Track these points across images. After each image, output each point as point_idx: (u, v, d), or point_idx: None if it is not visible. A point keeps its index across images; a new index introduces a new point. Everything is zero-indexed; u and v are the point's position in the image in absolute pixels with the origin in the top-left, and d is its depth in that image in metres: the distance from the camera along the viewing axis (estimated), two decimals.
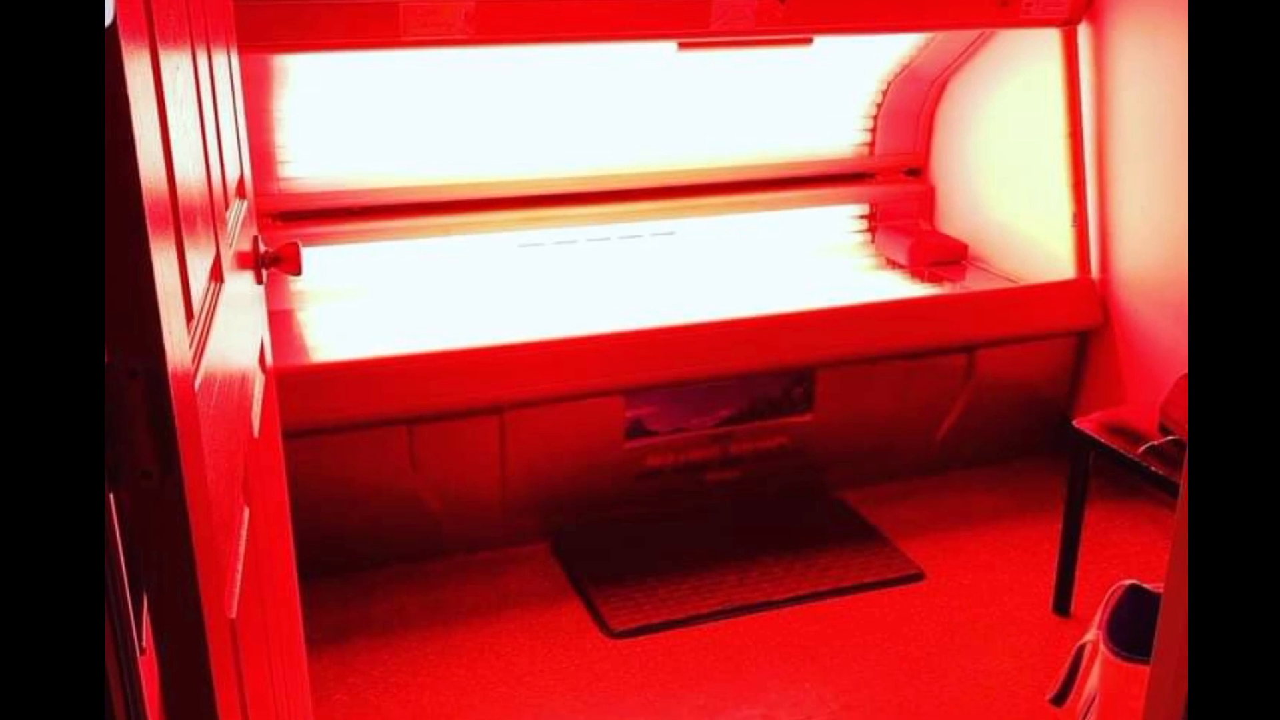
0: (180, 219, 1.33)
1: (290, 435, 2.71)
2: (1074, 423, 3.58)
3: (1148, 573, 3.39)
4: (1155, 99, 4.08)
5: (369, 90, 4.13)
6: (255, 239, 2.20)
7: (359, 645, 3.53)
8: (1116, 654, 2.60)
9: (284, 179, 4.20)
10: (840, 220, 5.19)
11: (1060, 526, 3.65)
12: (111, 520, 1.10)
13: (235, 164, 2.09)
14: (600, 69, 4.39)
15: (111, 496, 1.11)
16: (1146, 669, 1.51)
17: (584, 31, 3.77)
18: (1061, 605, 3.68)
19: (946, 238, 5.00)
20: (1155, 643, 1.48)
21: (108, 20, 1.03)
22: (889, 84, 4.93)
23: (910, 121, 5.08)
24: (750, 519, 4.23)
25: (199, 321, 1.43)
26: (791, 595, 3.76)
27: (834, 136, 5.05)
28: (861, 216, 5.20)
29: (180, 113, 1.41)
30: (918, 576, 3.89)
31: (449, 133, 4.37)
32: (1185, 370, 3.47)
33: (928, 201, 5.16)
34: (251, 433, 1.89)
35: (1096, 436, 3.48)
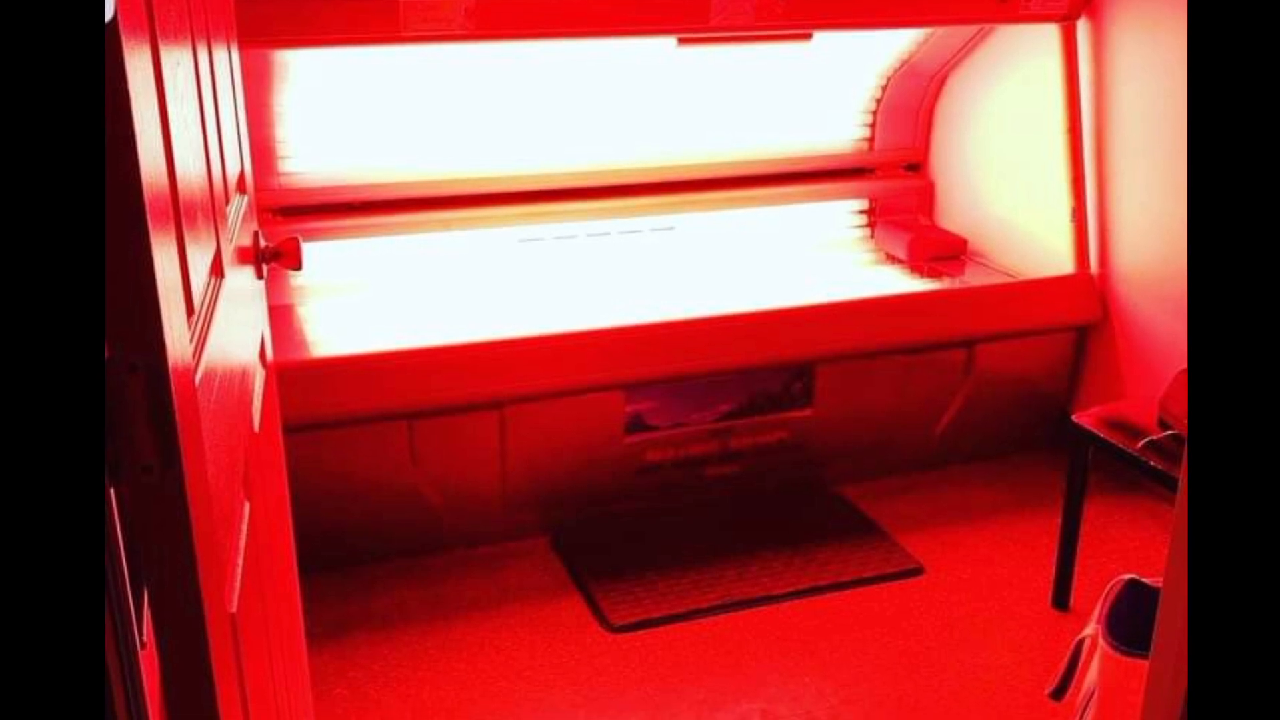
0: (181, 214, 1.33)
1: (291, 430, 2.71)
2: (1073, 417, 3.58)
3: (1147, 567, 3.38)
4: (1154, 94, 4.08)
5: (369, 85, 4.13)
6: (256, 234, 2.20)
7: (359, 640, 3.54)
8: (1116, 648, 2.60)
9: (284, 174, 4.20)
10: (840, 215, 5.19)
11: (1059, 521, 3.65)
12: (112, 515, 1.10)
13: (236, 159, 2.09)
14: (600, 64, 4.39)
15: (112, 491, 1.11)
16: (1146, 663, 1.51)
17: (584, 27, 3.77)
18: (1061, 600, 3.68)
19: (946, 233, 5.00)
20: (1154, 637, 1.48)
21: (108, 15, 1.03)
22: (888, 79, 4.93)
23: (910, 117, 5.08)
24: (750, 514, 4.23)
25: (199, 316, 1.43)
26: (791, 590, 3.77)
27: (833, 132, 5.05)
28: (861, 211, 5.20)
29: (181, 108, 1.41)
30: (917, 571, 3.89)
31: (449, 128, 4.37)
32: (1184, 365, 3.47)
33: (927, 197, 5.16)
34: (252, 427, 1.89)
35: (1096, 431, 3.48)
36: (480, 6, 3.56)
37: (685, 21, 3.86)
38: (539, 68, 4.27)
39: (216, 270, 1.63)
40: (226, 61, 2.05)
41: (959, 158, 5.00)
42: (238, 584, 1.50)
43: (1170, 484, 3.15)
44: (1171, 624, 1.43)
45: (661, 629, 3.59)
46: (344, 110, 4.19)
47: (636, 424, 4.03)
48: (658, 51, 4.23)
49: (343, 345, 3.90)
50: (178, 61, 1.43)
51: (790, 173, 4.97)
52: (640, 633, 3.57)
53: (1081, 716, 2.72)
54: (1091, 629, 2.71)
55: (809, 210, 5.11)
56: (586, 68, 4.38)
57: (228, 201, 1.88)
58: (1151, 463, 3.28)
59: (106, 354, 1.09)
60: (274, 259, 2.22)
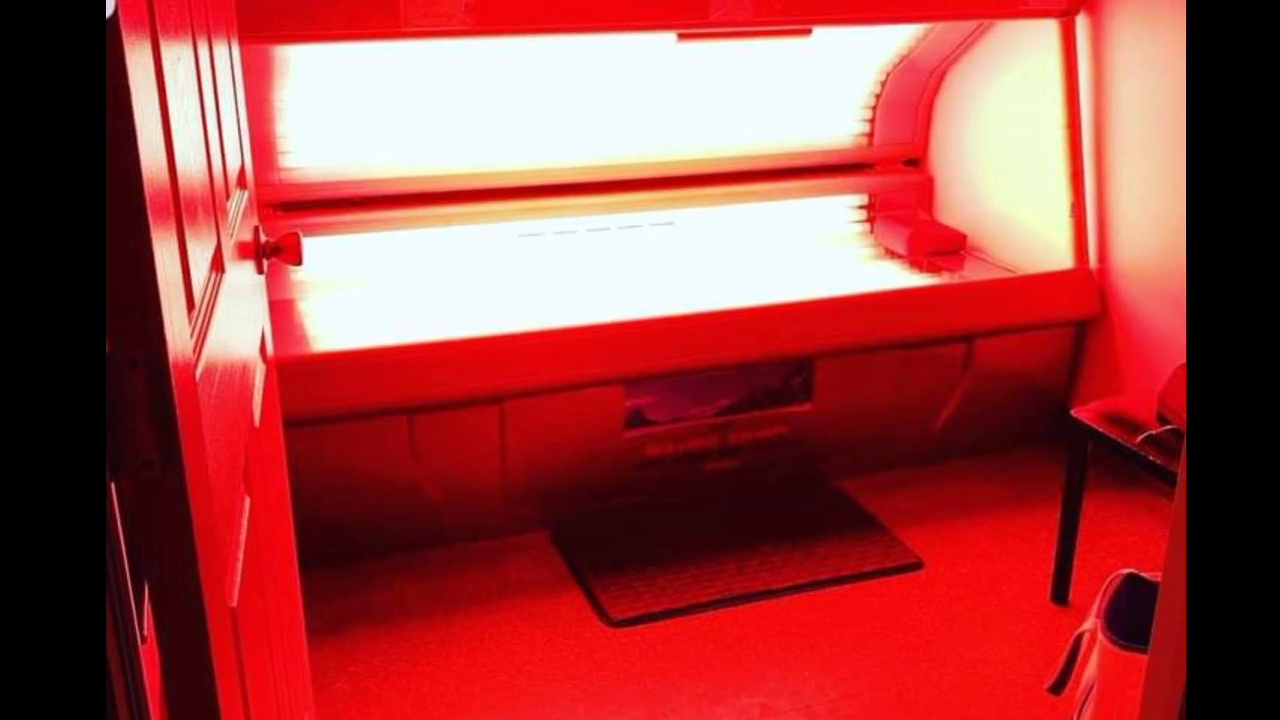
0: (181, 209, 1.33)
1: (291, 424, 2.72)
2: (1072, 412, 3.58)
3: (1145, 561, 3.39)
4: (1153, 90, 4.08)
5: (369, 81, 4.13)
6: (256, 229, 2.20)
7: (359, 634, 3.54)
8: (1114, 642, 2.60)
9: (285, 169, 4.20)
10: (839, 210, 5.20)
11: (1058, 515, 3.65)
12: (113, 509, 1.10)
13: (236, 154, 2.09)
14: (600, 60, 4.39)
15: (113, 486, 1.11)
16: (1144, 657, 1.52)
17: (584, 23, 3.77)
18: (1060, 594, 3.69)
19: (945, 228, 5.00)
20: (1153, 631, 1.48)
21: (109, 11, 1.03)
22: (888, 75, 4.93)
23: (909, 112, 5.08)
24: (749, 508, 4.23)
25: (200, 311, 1.43)
26: (790, 584, 3.77)
27: (833, 127, 5.05)
28: (860, 207, 5.21)
29: (181, 103, 1.42)
30: (916, 565, 3.89)
31: (449, 123, 4.38)
32: (1183, 360, 3.48)
33: (926, 192, 5.16)
34: (252, 422, 1.89)
35: (1095, 426, 3.48)
36: (480, 2, 3.56)
37: (685, 17, 3.86)
38: (539, 63, 4.27)
39: (217, 265, 1.63)
40: (227, 56, 2.05)
41: (958, 153, 5.00)
42: (238, 578, 1.50)
43: (1169, 479, 3.15)
44: (1170, 618, 1.44)
45: (661, 623, 3.59)
46: (344, 105, 4.19)
47: (636, 419, 4.03)
48: (657, 47, 4.23)
49: (343, 340, 3.90)
50: (178, 57, 1.43)
51: (790, 168, 4.97)
52: (640, 627, 3.58)
53: (1080, 711, 2.73)
54: (1090, 623, 2.71)
55: (808, 205, 5.11)
56: (586, 63, 4.38)
57: (228, 196, 1.88)
58: (1150, 457, 3.29)
59: (107, 349, 1.09)
60: (274, 254, 2.22)
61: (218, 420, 1.44)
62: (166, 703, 1.25)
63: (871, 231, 5.18)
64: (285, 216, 4.15)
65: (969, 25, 4.61)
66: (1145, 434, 3.35)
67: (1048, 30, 4.38)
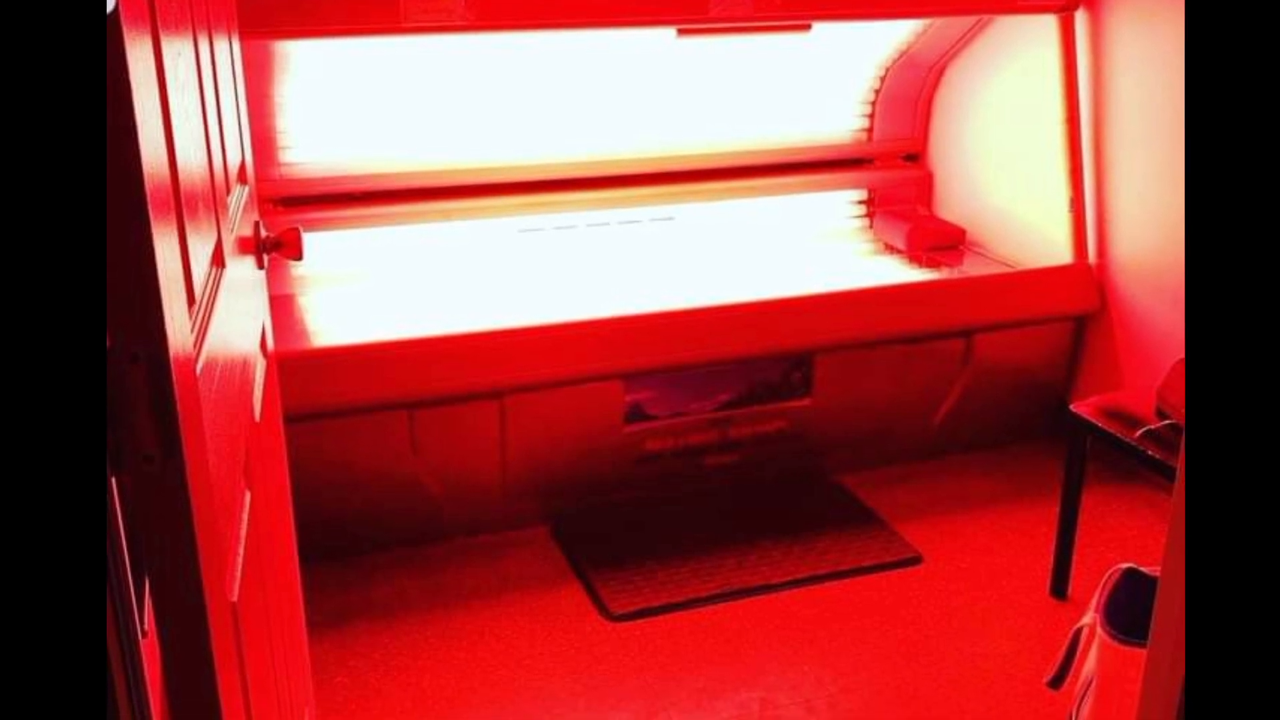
0: (182, 204, 1.33)
1: (291, 419, 2.72)
2: (1071, 407, 3.59)
3: (1144, 556, 3.39)
4: (1152, 85, 4.08)
5: (370, 76, 4.13)
6: (256, 224, 2.20)
7: (360, 628, 3.54)
8: (1114, 637, 2.61)
9: (285, 164, 4.20)
10: (839, 205, 5.20)
11: (1058, 510, 3.65)
12: (113, 504, 1.10)
13: (236, 149, 2.09)
14: (600, 55, 4.39)
15: (113, 480, 1.11)
16: (1143, 652, 1.52)
17: (584, 18, 3.77)
18: (1059, 588, 3.69)
19: (944, 223, 5.00)
20: (1152, 626, 1.49)
21: (110, 6, 1.03)
22: (887, 70, 4.93)
23: (908, 107, 5.08)
24: (749, 503, 4.23)
25: (200, 306, 1.43)
26: (790, 579, 3.77)
27: (832, 122, 5.05)
28: (860, 202, 5.21)
29: (182, 98, 1.42)
30: (916, 560, 3.90)
31: (449, 118, 4.38)
32: (1182, 355, 3.48)
33: (926, 187, 5.16)
34: (253, 417, 1.90)
35: (1094, 421, 3.48)
36: None
37: (684, 12, 3.86)
38: (539, 58, 4.27)
39: (217, 260, 1.63)
40: (227, 52, 2.06)
41: (957, 148, 5.00)
42: (239, 573, 1.51)
43: (1168, 473, 3.15)
44: (1169, 613, 1.44)
45: (661, 618, 3.60)
46: (344, 101, 4.19)
47: (636, 413, 4.03)
48: (657, 42, 4.23)
49: (343, 335, 3.91)
50: (179, 52, 1.44)
51: (789, 163, 4.97)
52: (640, 621, 3.58)
53: (1079, 705, 2.73)
54: (1089, 618, 2.72)
55: (808, 200, 5.11)
56: (586, 58, 4.38)
57: (229, 192, 1.88)
58: (1149, 452, 3.29)
59: (108, 344, 1.09)
60: (275, 249, 2.23)
61: (218, 415, 1.45)
62: (167, 697, 1.25)
63: (871, 226, 5.18)
64: (286, 212, 4.15)
65: (968, 20, 4.61)
66: (1144, 429, 3.35)
67: (1047, 25, 4.38)
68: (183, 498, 1.19)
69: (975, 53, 4.79)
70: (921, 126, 5.12)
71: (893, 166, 5.16)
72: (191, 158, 1.46)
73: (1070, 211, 4.46)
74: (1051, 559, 3.70)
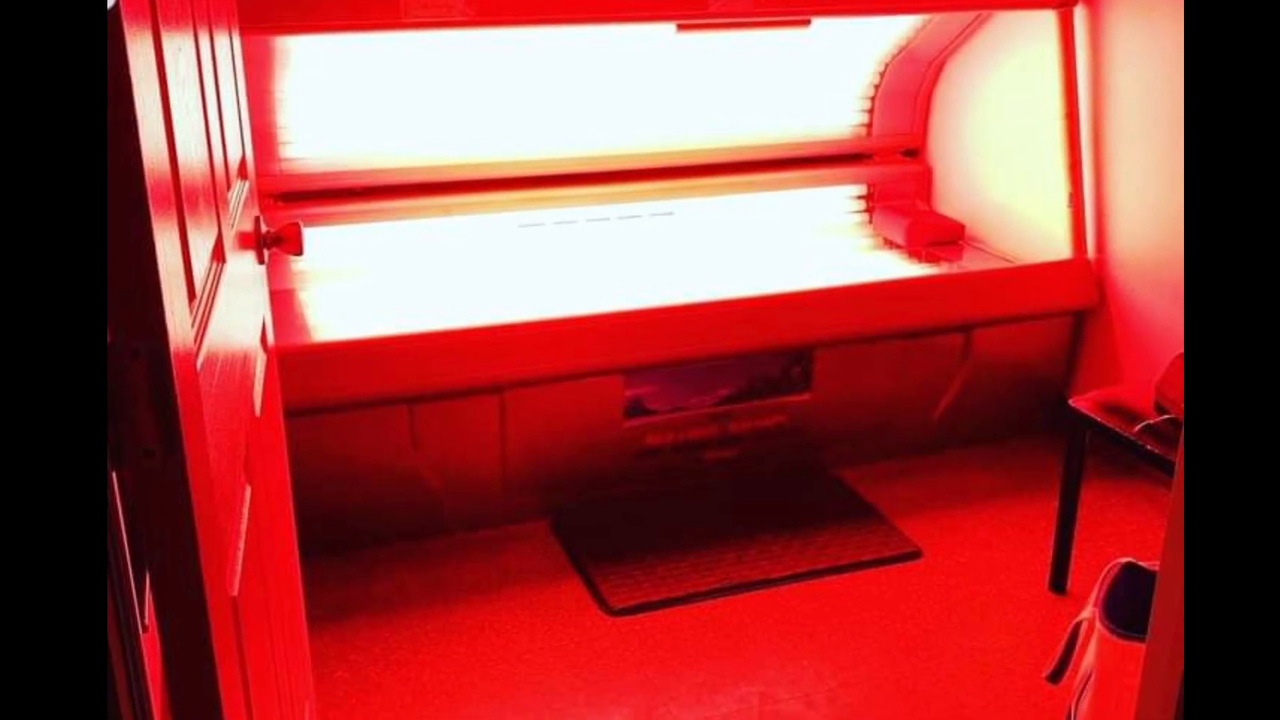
0: (182, 199, 1.34)
1: (292, 414, 2.72)
2: (1070, 402, 3.59)
3: (1143, 550, 3.40)
4: (1151, 80, 4.08)
5: (370, 71, 4.13)
6: (257, 219, 2.20)
7: (360, 623, 3.55)
8: (1112, 631, 2.61)
9: (285, 160, 4.20)
10: (838, 200, 5.20)
11: (1057, 505, 3.66)
12: (114, 499, 1.11)
13: (237, 145, 2.09)
14: (600, 50, 4.39)
15: (114, 475, 1.12)
16: (1142, 646, 1.52)
17: (583, 13, 3.78)
18: (1058, 583, 3.69)
19: (944, 218, 5.00)
20: (1151, 620, 1.49)
21: (110, 2, 1.03)
22: (886, 65, 4.93)
23: (908, 102, 5.08)
24: (749, 497, 4.24)
25: (201, 301, 1.43)
26: (790, 573, 3.78)
27: (832, 117, 5.05)
28: (859, 197, 5.21)
29: (182, 94, 1.42)
30: (915, 554, 3.90)
31: (450, 113, 4.38)
32: (1181, 349, 3.48)
33: (925, 182, 5.17)
34: (253, 411, 1.90)
35: (1093, 415, 3.49)
36: None
37: (684, 7, 3.86)
38: (539, 53, 4.27)
39: (218, 255, 1.63)
40: (228, 47, 2.06)
41: (957, 143, 5.00)
42: (239, 567, 1.51)
43: (1167, 468, 3.15)
44: (1168, 607, 1.44)
45: (661, 612, 3.60)
46: (345, 96, 4.19)
47: (636, 408, 4.03)
48: (657, 37, 4.23)
49: (344, 330, 3.91)
50: (179, 48, 1.44)
51: (789, 158, 4.98)
52: (639, 616, 3.58)
53: (1079, 699, 2.73)
54: (1089, 612, 2.72)
55: (807, 195, 5.11)
56: (586, 54, 4.38)
57: (229, 187, 1.88)
58: (1148, 447, 3.29)
59: (108, 339, 1.09)
60: (275, 244, 2.23)
61: (219, 410, 1.45)
62: (168, 691, 1.25)
63: (870, 221, 5.18)
64: (286, 207, 4.16)
65: (967, 16, 4.61)
66: (1143, 423, 3.36)
67: (1046, 21, 4.38)
68: (183, 492, 1.19)
69: (975, 48, 4.79)
70: (921, 122, 5.12)
71: (892, 161, 5.16)
72: (192, 153, 1.46)
73: (1069, 206, 4.46)
74: (1051, 553, 3.70)
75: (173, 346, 1.15)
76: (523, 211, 4.56)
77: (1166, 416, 3.35)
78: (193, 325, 1.33)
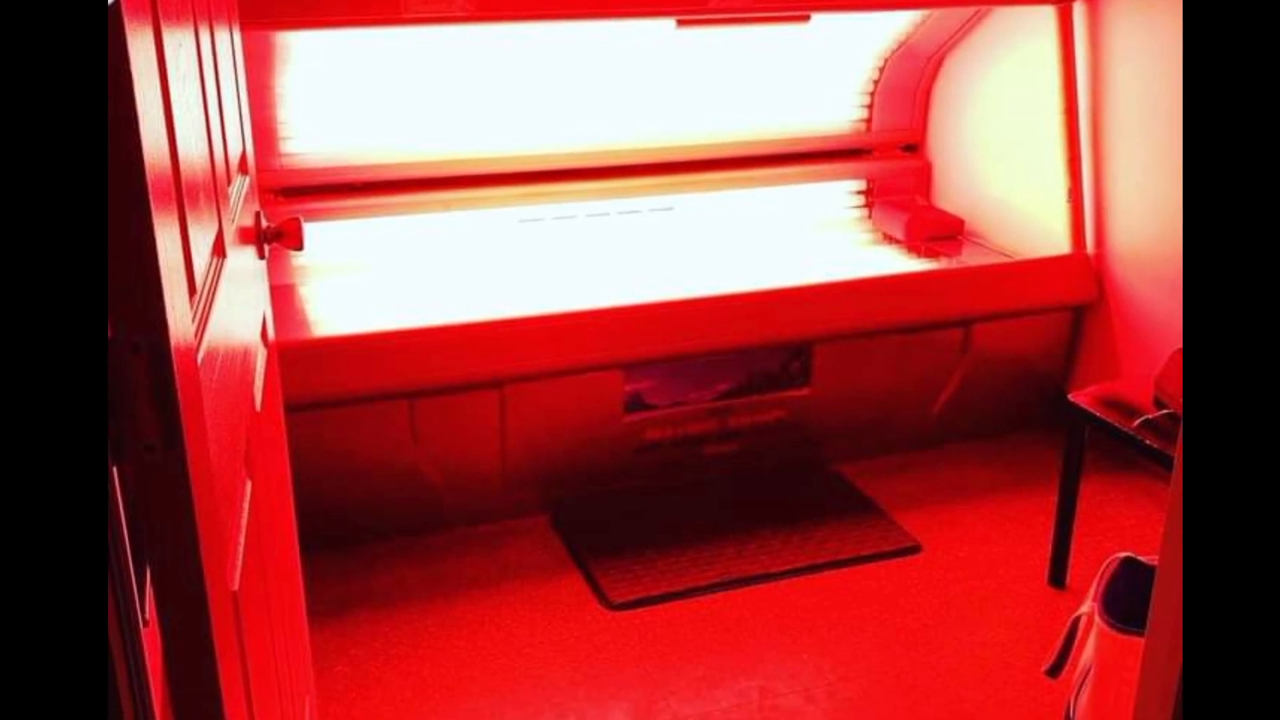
0: (183, 194, 1.34)
1: (292, 409, 2.72)
2: (1069, 396, 3.59)
3: (1142, 545, 3.40)
4: (1150, 75, 4.08)
5: (370, 67, 4.13)
6: (257, 214, 2.20)
7: (360, 617, 3.55)
8: (1112, 626, 2.61)
9: (286, 155, 4.20)
10: (838, 196, 5.20)
11: (1056, 499, 3.66)
12: (114, 494, 1.11)
13: (237, 140, 2.10)
14: (600, 46, 4.39)
15: (115, 470, 1.12)
16: (1141, 641, 1.52)
17: (583, 9, 3.78)
18: (1057, 577, 3.70)
19: (943, 213, 5.00)
20: (1150, 615, 1.49)
21: None
22: (886, 61, 4.93)
23: (907, 98, 5.08)
24: (748, 492, 4.24)
25: (201, 296, 1.43)
26: (789, 567, 3.78)
27: (831, 113, 5.05)
28: (859, 192, 5.21)
29: (183, 89, 1.42)
30: (914, 549, 3.90)
31: (450, 109, 4.38)
32: (1180, 344, 3.48)
33: (924, 177, 5.17)
34: (254, 406, 1.90)
35: (1092, 410, 3.49)
36: None
37: (684, 3, 3.87)
38: (539, 49, 4.27)
39: (218, 250, 1.64)
40: (228, 43, 2.06)
41: (956, 139, 5.00)
42: (239, 562, 1.51)
43: (1166, 462, 3.16)
44: (1167, 601, 1.44)
45: (660, 607, 3.60)
46: (345, 91, 4.19)
47: (636, 403, 4.04)
48: (657, 33, 4.23)
49: (344, 325, 3.91)
50: (180, 43, 1.44)
51: (788, 153, 4.98)
52: (639, 610, 3.59)
53: (1077, 694, 2.74)
54: (1087, 607, 2.72)
55: (807, 191, 5.11)
56: (586, 49, 4.37)
57: (229, 182, 1.89)
58: (1147, 441, 3.29)
59: (109, 334, 1.09)
60: (275, 239, 2.23)
61: (219, 404, 1.45)
62: (168, 685, 1.25)
63: (870, 217, 5.19)
64: (286, 202, 4.16)
65: (967, 11, 4.61)
66: (1142, 418, 3.36)
67: (1045, 16, 4.38)
68: (184, 487, 1.19)
69: (974, 44, 4.79)
70: (920, 117, 5.13)
71: (891, 157, 5.16)
72: (192, 148, 1.46)
73: (1068, 202, 4.46)
74: (1050, 548, 3.71)
75: (173, 341, 1.16)
76: (522, 206, 4.57)
77: (1165, 411, 3.35)
78: (193, 320, 1.33)
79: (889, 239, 5.01)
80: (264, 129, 4.07)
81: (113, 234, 1.06)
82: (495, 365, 3.77)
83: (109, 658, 1.09)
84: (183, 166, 1.35)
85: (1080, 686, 2.73)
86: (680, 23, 4.00)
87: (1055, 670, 2.81)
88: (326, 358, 3.63)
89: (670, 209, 4.85)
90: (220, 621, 1.31)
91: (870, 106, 5.08)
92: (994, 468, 4.46)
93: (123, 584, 1.11)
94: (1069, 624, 2.79)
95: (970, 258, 4.75)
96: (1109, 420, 3.43)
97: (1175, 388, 3.34)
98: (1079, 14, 4.35)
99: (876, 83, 5.01)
